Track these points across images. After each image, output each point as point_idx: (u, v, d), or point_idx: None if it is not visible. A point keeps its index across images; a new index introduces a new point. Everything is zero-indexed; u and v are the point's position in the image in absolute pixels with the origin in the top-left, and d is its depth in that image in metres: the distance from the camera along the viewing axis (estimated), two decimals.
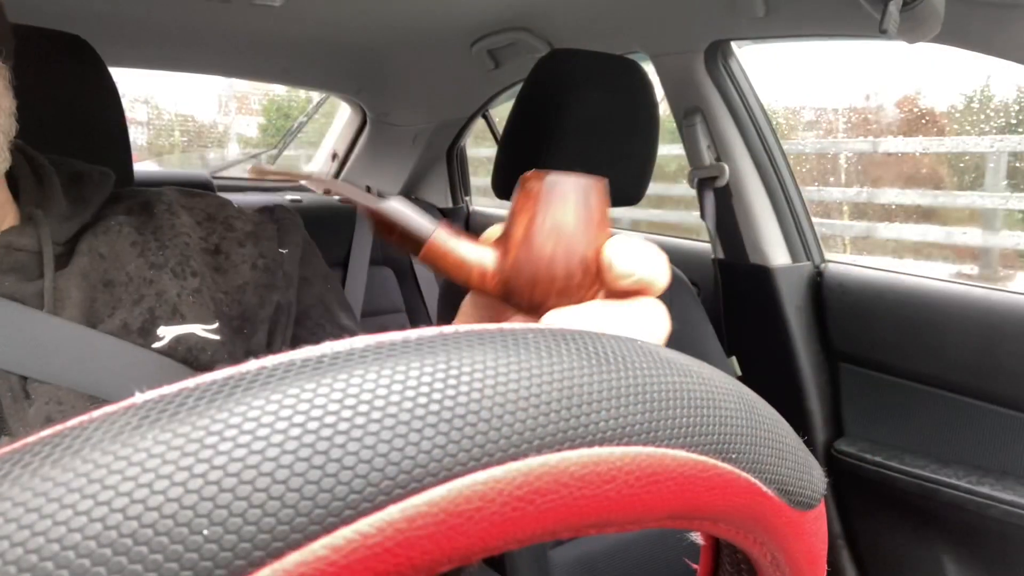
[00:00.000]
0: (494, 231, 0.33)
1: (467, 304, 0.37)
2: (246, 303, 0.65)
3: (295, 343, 0.68)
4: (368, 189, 1.98)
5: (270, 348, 0.66)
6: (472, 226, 2.37)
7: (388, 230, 0.32)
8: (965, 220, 2.96)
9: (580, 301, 0.31)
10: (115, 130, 0.88)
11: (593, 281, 0.31)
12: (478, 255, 0.32)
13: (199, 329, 0.60)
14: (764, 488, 0.22)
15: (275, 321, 0.66)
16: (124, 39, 1.71)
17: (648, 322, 0.31)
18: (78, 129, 0.84)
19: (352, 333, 0.70)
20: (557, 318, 0.30)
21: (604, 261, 0.31)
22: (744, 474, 0.21)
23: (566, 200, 0.31)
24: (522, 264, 0.31)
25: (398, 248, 0.32)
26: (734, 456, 0.21)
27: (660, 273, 0.32)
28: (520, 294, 0.31)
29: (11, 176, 0.61)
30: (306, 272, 0.72)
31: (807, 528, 0.25)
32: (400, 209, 0.32)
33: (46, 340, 0.54)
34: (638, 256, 0.31)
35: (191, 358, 0.59)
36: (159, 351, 0.58)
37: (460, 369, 0.17)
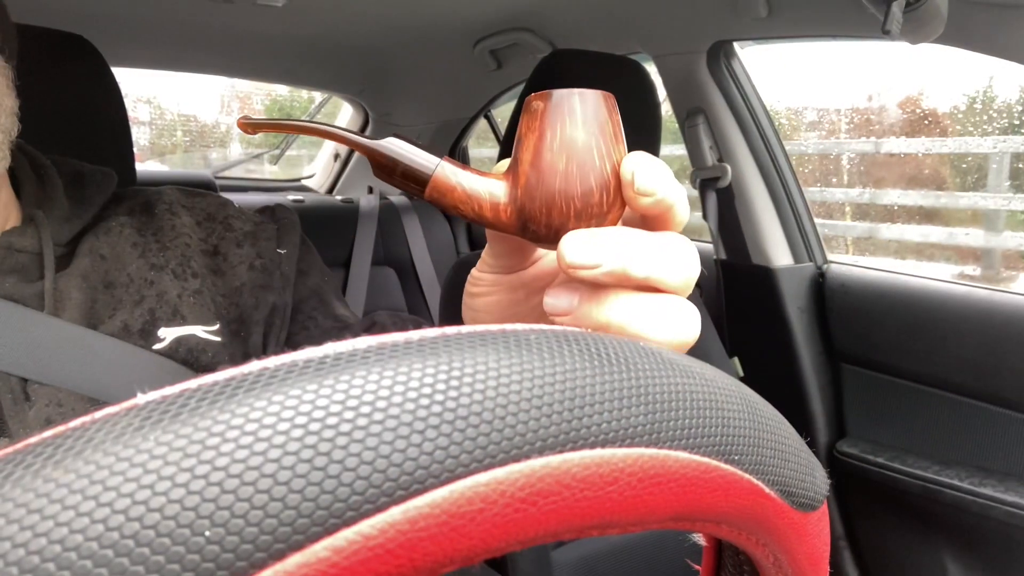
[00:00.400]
0: (502, 164, 0.32)
1: (487, 254, 0.36)
2: (243, 305, 0.65)
3: (290, 338, 0.68)
4: (370, 190, 1.97)
5: (265, 351, 0.66)
6: (476, 226, 2.37)
7: (389, 170, 0.31)
8: (967, 221, 2.96)
9: (600, 224, 0.29)
10: (118, 130, 0.88)
11: (613, 201, 0.29)
12: (487, 185, 0.30)
13: (200, 330, 0.60)
14: (766, 490, 0.22)
15: (270, 323, 0.66)
16: (127, 39, 1.71)
17: (678, 256, 0.29)
18: (81, 129, 0.84)
19: (348, 322, 0.70)
20: (576, 240, 0.28)
21: (624, 176, 0.29)
22: (746, 476, 0.21)
23: (574, 114, 0.29)
24: (535, 187, 0.29)
25: (402, 188, 0.31)
26: (736, 458, 0.21)
27: (682, 200, 0.29)
28: (536, 220, 0.29)
29: (13, 176, 0.61)
30: (302, 266, 0.72)
31: (810, 529, 0.25)
32: (399, 145, 0.31)
33: (46, 342, 0.54)
34: (661, 174, 0.28)
35: (192, 359, 0.59)
36: (160, 352, 0.58)
37: (462, 370, 0.17)
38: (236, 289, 0.65)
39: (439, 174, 0.31)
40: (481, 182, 0.31)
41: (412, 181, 0.31)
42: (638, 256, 0.28)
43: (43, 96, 0.66)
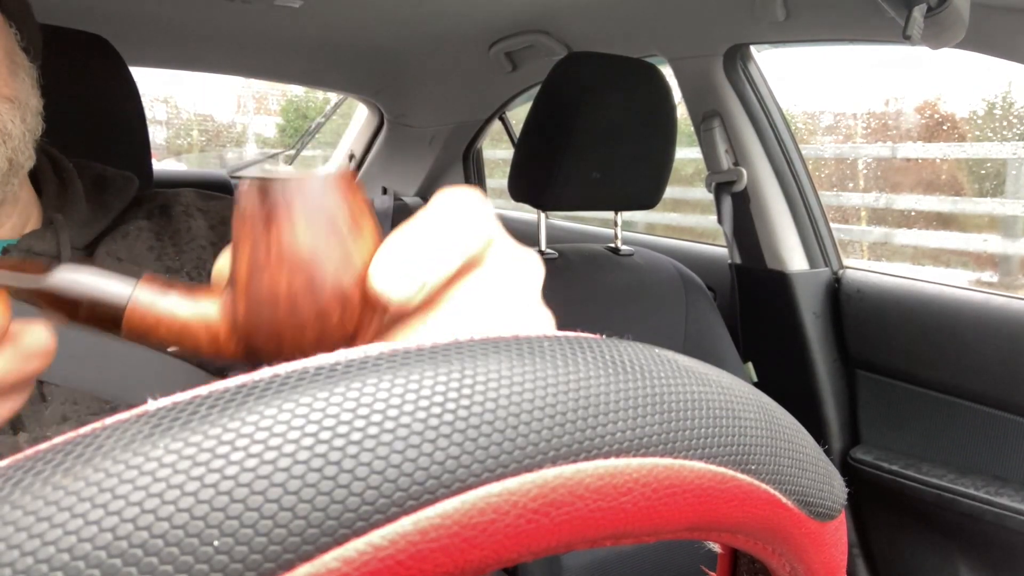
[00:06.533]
0: (223, 267, 0.25)
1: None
2: None
3: None
4: (384, 191, 1.97)
5: None
6: None
7: (71, 310, 0.25)
8: (985, 227, 2.93)
9: (355, 340, 0.24)
10: (135, 129, 0.88)
11: (365, 309, 0.23)
12: (198, 311, 0.24)
13: None
14: (784, 500, 0.22)
15: None
16: (145, 38, 1.72)
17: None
18: (99, 128, 0.85)
19: None
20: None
21: (370, 286, 0.23)
22: (764, 486, 0.21)
23: (291, 211, 0.23)
24: (255, 312, 0.23)
25: (92, 328, 0.25)
26: (753, 468, 0.21)
27: (475, 242, 0.24)
28: (265, 350, 0.24)
29: (34, 179, 0.62)
30: None
31: (827, 539, 0.25)
32: (78, 279, 0.25)
33: (61, 343, 0.54)
34: (414, 254, 0.22)
35: (206, 361, 0.59)
36: (174, 354, 0.58)
37: (474, 378, 0.16)
38: None
39: (135, 304, 0.24)
40: (191, 307, 0.25)
41: (101, 318, 0.25)
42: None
43: (62, 95, 0.66)
